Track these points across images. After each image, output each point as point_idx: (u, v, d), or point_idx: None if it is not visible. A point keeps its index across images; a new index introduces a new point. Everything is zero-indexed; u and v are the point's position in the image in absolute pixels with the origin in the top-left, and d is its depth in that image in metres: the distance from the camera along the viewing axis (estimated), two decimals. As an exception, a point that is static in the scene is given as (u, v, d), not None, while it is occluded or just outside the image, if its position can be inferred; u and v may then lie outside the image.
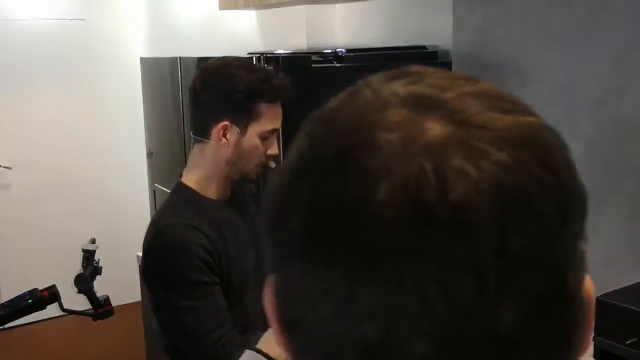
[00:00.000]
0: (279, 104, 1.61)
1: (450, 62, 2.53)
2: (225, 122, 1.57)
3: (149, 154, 3.47)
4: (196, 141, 1.65)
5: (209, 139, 1.60)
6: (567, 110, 2.18)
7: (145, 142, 3.64)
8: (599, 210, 2.13)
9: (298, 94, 2.20)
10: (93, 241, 2.04)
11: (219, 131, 1.57)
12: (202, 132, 1.62)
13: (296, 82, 2.19)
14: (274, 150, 1.64)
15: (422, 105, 0.41)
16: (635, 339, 1.42)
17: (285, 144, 2.17)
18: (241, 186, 1.75)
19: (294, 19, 3.19)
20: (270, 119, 1.59)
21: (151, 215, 3.15)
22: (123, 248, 3.81)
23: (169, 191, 1.70)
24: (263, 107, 1.57)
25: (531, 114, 0.45)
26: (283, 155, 2.18)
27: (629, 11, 1.96)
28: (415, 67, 0.47)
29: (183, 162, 2.65)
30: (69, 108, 4.57)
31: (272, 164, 1.69)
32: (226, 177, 1.64)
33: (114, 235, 4.22)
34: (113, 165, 4.71)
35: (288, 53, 2.41)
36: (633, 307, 1.42)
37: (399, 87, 0.44)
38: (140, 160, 4.16)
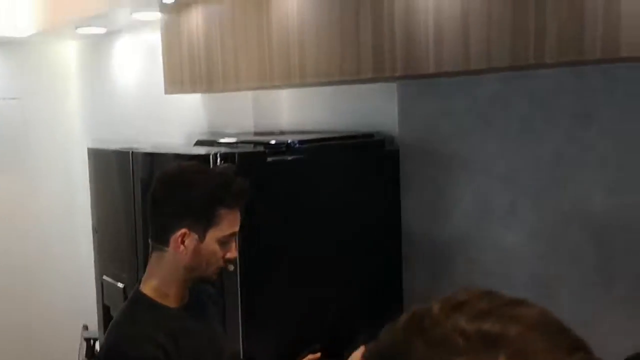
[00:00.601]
0: (240, 208, 1.64)
1: (398, 151, 2.61)
2: (184, 230, 1.58)
3: (94, 231, 3.37)
4: (154, 248, 1.66)
5: (167, 247, 1.61)
6: (511, 200, 2.28)
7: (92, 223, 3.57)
8: (542, 300, 2.21)
9: (255, 190, 2.25)
10: (86, 327, 2.00)
11: (178, 239, 1.59)
12: (160, 239, 1.63)
13: (252, 178, 2.24)
14: (232, 253, 1.66)
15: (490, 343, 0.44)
16: None
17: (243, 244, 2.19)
18: (199, 287, 1.76)
19: (241, 101, 3.23)
20: (229, 224, 1.62)
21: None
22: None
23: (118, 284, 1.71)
24: (222, 212, 1.60)
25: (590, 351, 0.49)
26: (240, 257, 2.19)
27: (566, 108, 2.08)
28: (473, 293, 0.50)
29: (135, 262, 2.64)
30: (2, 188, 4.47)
31: (231, 267, 1.72)
32: (185, 281, 1.65)
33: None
34: (44, 250, 4.59)
35: (241, 145, 2.44)
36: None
37: (465, 323, 0.47)
38: (76, 244, 4.08)
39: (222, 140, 2.68)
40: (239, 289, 2.26)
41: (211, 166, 2.08)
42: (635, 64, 1.86)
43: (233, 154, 2.13)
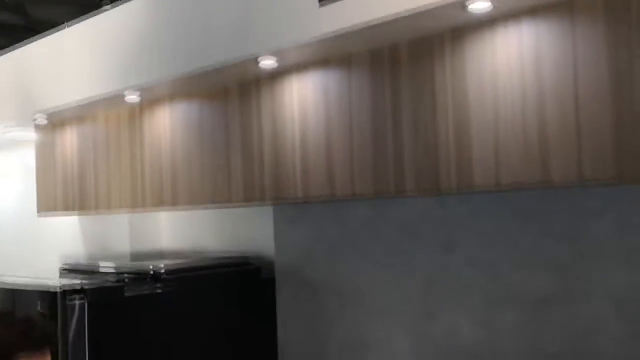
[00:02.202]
0: (43, 348, 1.51)
1: (274, 279, 2.54)
2: None
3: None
4: None
5: None
6: (386, 331, 2.22)
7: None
8: None
9: (110, 327, 2.10)
10: None
11: None
12: None
13: (106, 314, 2.10)
14: None
15: None
16: None
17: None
18: None
19: (117, 224, 3.11)
20: None
21: None
22: None
23: None
24: (20, 357, 1.47)
25: None
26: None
27: (435, 240, 2.08)
28: None
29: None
30: None
31: None
32: None
33: None
34: None
35: (99, 280, 2.29)
36: None
37: None
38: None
39: (85, 267, 2.53)
40: None
41: (58, 302, 1.92)
42: (490, 193, 1.89)
43: (84, 289, 1.99)
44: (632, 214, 1.70)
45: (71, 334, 2.02)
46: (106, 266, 2.45)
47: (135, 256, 3.01)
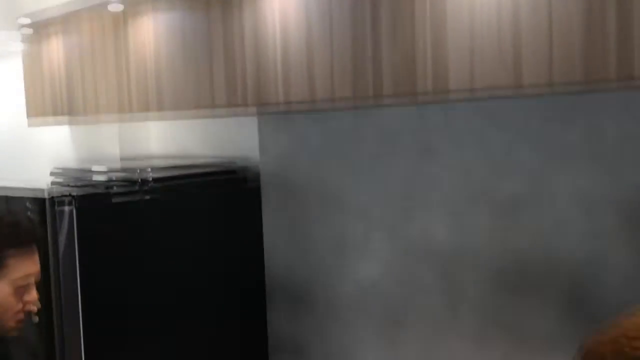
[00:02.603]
0: (31, 248, 1.57)
1: (259, 187, 2.61)
2: None
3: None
4: None
5: None
6: (365, 233, 2.31)
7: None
8: (399, 330, 2.25)
9: (99, 234, 2.17)
10: None
11: None
12: None
13: (94, 221, 2.17)
14: (31, 296, 1.58)
15: None
16: None
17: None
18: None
19: (107, 134, 3.16)
20: (18, 267, 1.54)
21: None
22: None
23: None
24: (8, 255, 1.53)
25: None
26: (46, 301, 2.10)
27: (414, 147, 2.14)
28: None
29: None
30: None
31: (35, 319, 1.64)
32: None
33: None
34: None
35: (88, 187, 2.34)
36: None
37: None
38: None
39: (75, 174, 2.58)
40: (82, 339, 2.15)
41: (47, 209, 1.99)
42: (467, 103, 1.94)
43: (72, 196, 2.05)
44: (600, 121, 1.75)
45: (61, 240, 2.09)
46: (95, 173, 2.50)
47: (125, 164, 3.07)
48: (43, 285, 2.10)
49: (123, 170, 2.62)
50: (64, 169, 2.67)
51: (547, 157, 1.86)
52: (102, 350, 2.21)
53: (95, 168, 2.52)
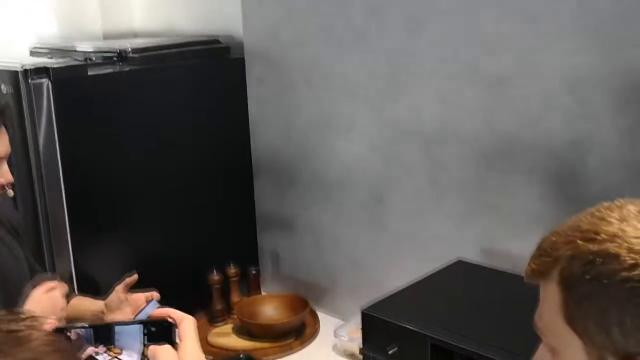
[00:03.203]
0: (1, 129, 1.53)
1: (243, 59, 2.52)
2: None
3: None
4: None
5: None
6: (351, 110, 2.25)
7: None
8: (383, 208, 2.24)
9: (76, 108, 2.12)
10: None
11: None
12: None
13: (73, 93, 2.10)
14: (5, 178, 1.56)
15: None
16: (396, 348, 1.52)
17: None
18: None
19: (89, 5, 3.04)
20: None
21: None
22: None
23: None
24: None
25: None
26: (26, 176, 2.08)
27: (402, 24, 2.04)
28: None
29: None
30: None
31: (10, 193, 1.63)
32: None
33: None
34: None
35: (65, 59, 2.26)
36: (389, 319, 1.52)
37: None
38: None
39: (54, 47, 2.49)
40: (66, 215, 2.15)
41: (21, 82, 1.92)
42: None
43: (47, 68, 1.97)
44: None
45: (38, 116, 2.04)
46: (74, 46, 2.41)
47: (107, 37, 2.97)
48: (24, 162, 2.09)
49: (102, 42, 2.53)
50: (42, 46, 2.58)
51: (536, 33, 1.77)
52: (85, 227, 2.21)
53: (75, 44, 2.42)
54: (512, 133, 1.86)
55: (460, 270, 1.85)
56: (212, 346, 2.28)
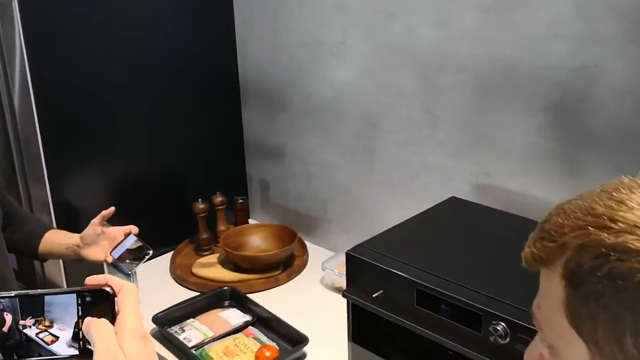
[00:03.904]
0: None
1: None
2: None
3: None
4: None
5: None
6: (343, 30, 2.10)
7: None
8: (375, 135, 2.12)
9: (46, 16, 1.97)
10: None
11: None
12: None
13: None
14: None
15: None
16: (381, 292, 1.44)
17: None
18: None
19: None
20: None
21: None
22: None
23: None
24: None
25: None
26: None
27: None
28: None
29: None
30: None
31: None
32: None
33: None
34: None
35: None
36: (375, 262, 1.43)
37: None
38: None
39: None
40: (40, 146, 2.03)
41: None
42: None
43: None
44: None
45: (7, 29, 1.90)
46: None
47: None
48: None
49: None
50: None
51: (546, -52, 1.60)
52: (62, 153, 2.10)
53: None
54: (515, 59, 1.72)
55: (453, 209, 1.74)
56: (197, 276, 2.21)
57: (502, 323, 1.23)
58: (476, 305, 1.27)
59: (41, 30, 1.96)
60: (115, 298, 0.71)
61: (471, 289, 1.31)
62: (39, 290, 0.73)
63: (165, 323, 1.93)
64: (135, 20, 2.17)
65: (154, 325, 1.90)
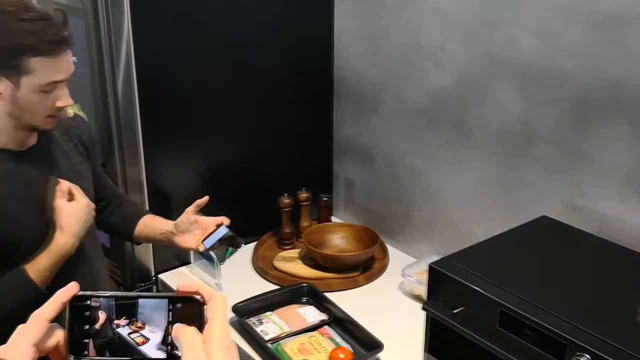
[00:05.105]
0: (62, 54, 1.44)
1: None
2: None
3: None
4: None
5: None
6: (442, 35, 2.07)
7: None
8: (468, 145, 2.09)
9: (153, 16, 2.03)
10: None
11: None
12: None
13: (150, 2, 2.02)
14: (63, 101, 1.50)
15: None
16: (463, 308, 1.41)
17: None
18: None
19: None
20: (46, 73, 1.43)
21: None
22: None
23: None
24: (34, 62, 1.41)
25: None
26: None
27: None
28: None
29: None
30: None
31: (70, 113, 1.56)
32: (14, 128, 1.52)
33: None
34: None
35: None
36: (459, 279, 1.41)
37: None
38: None
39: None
40: (139, 127, 2.10)
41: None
42: None
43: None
44: None
45: (116, 24, 1.97)
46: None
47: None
48: (97, 70, 2.04)
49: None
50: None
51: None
52: (159, 137, 2.17)
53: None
54: (620, 78, 1.65)
55: (545, 229, 1.69)
56: (277, 270, 2.24)
57: (586, 355, 1.19)
58: (561, 333, 1.23)
59: (148, 22, 2.03)
60: (205, 306, 0.72)
61: (558, 316, 1.27)
62: (134, 293, 0.76)
63: (245, 314, 1.97)
64: (236, 19, 2.21)
65: (232, 314, 1.94)
